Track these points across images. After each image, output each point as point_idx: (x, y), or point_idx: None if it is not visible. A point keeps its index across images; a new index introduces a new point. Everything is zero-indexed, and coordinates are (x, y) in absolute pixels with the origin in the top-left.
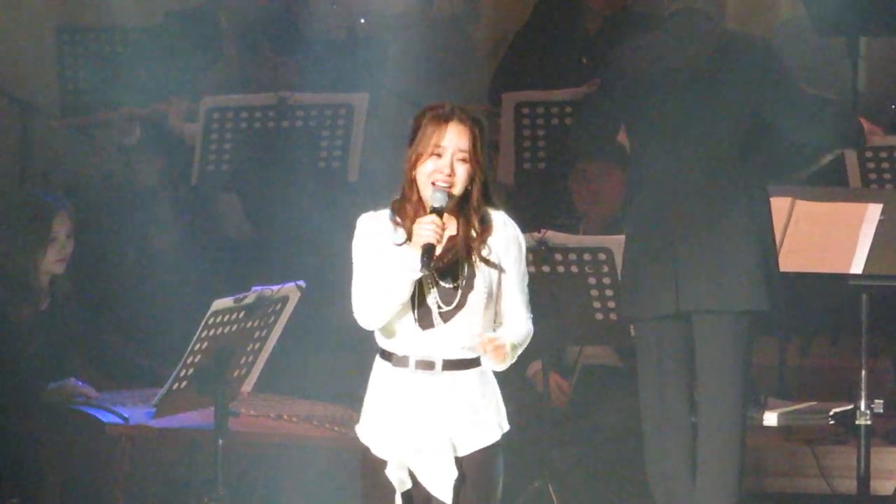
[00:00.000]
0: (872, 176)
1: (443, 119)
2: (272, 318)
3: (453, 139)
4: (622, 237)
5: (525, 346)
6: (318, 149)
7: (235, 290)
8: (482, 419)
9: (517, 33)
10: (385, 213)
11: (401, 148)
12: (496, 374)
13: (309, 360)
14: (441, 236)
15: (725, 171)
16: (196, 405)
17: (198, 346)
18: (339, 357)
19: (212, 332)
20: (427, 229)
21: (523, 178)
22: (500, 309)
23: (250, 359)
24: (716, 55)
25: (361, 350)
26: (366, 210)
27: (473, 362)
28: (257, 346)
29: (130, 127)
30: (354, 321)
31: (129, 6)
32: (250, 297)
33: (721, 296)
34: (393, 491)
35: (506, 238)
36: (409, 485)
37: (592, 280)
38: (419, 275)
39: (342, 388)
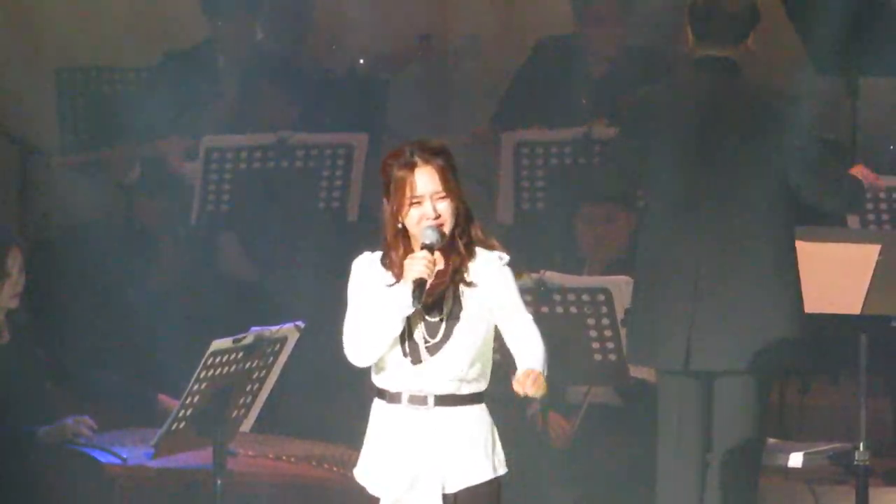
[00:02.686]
0: (871, 217)
1: (408, 168)
2: (271, 359)
3: (426, 184)
4: (622, 278)
5: (546, 358)
6: (318, 189)
7: (234, 330)
8: (475, 456)
9: (518, 72)
10: (378, 256)
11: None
12: (495, 413)
13: (308, 400)
14: (433, 272)
15: (751, 218)
16: (195, 445)
17: (196, 386)
18: (337, 397)
19: (211, 373)
20: (419, 264)
21: (522, 218)
22: (510, 331)
23: (249, 399)
24: (742, 106)
25: (360, 391)
26: (365, 249)
27: (467, 399)
28: (256, 386)
29: (130, 166)
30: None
31: (127, 46)
32: (249, 338)
33: (744, 357)
34: None
35: (487, 261)
36: None
37: (591, 321)
38: (411, 310)
39: (341, 428)
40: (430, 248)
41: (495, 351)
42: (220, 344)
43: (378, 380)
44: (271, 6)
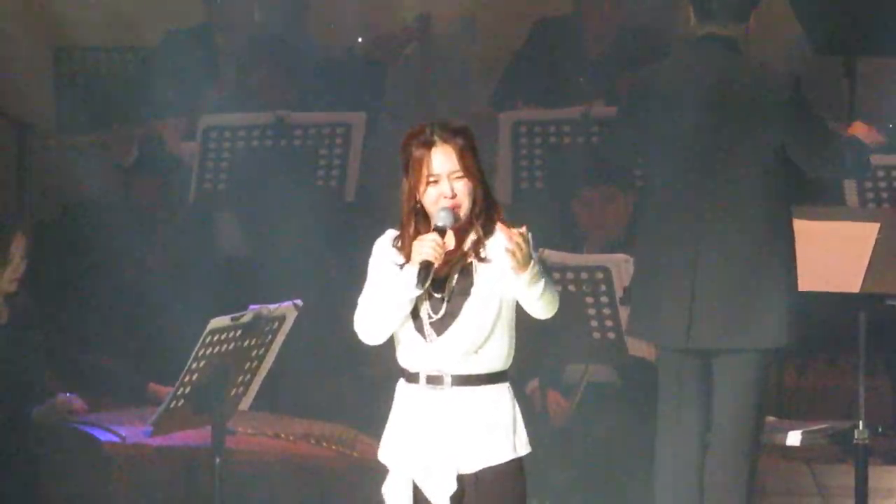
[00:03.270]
0: (870, 195)
1: (426, 146)
2: (269, 337)
3: (443, 163)
4: (621, 256)
5: (553, 291)
6: (316, 168)
7: (233, 308)
8: (492, 437)
9: (516, 53)
10: (394, 234)
11: (399, 167)
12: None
13: (306, 378)
14: (441, 255)
15: (750, 196)
16: (193, 424)
17: (195, 364)
18: (336, 376)
19: (209, 351)
20: (427, 247)
21: (521, 197)
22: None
23: (248, 377)
24: (742, 85)
25: (359, 369)
26: (363, 229)
27: (485, 378)
28: (255, 364)
29: (128, 147)
30: (352, 340)
31: (126, 26)
32: (247, 316)
33: (742, 333)
34: None
35: (504, 240)
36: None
37: (590, 299)
38: (417, 292)
39: (339, 407)
40: (441, 231)
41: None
42: (218, 322)
43: (399, 359)
44: None
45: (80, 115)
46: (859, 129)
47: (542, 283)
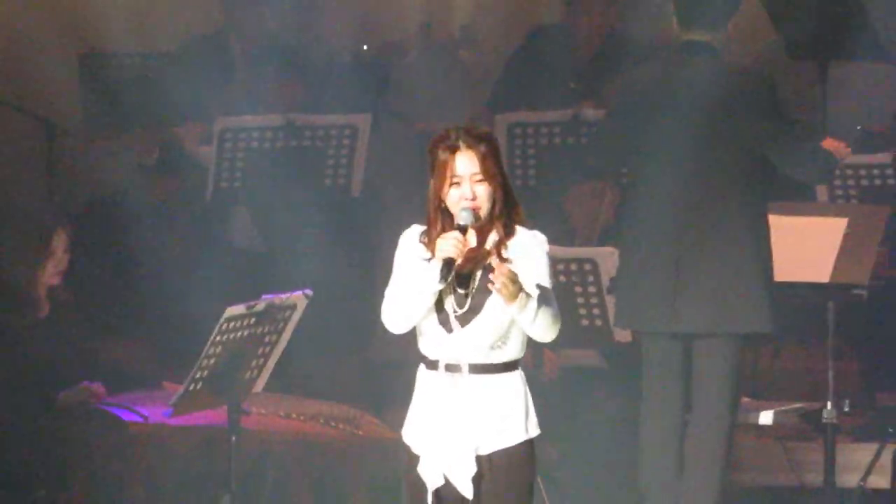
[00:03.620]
0: (839, 192)
1: (451, 150)
2: (281, 324)
3: (465, 166)
4: (607, 249)
5: (550, 323)
6: (324, 166)
7: (247, 298)
8: (507, 422)
9: (510, 58)
10: (422, 230)
11: (401, 165)
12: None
13: (315, 362)
14: (462, 252)
15: (728, 193)
16: (211, 405)
17: (212, 350)
18: (343, 360)
19: (225, 337)
20: (449, 244)
21: (516, 193)
22: None
23: (261, 361)
24: (721, 88)
25: (364, 354)
26: (368, 222)
27: (501, 367)
28: (268, 349)
29: (150, 147)
30: (358, 327)
31: (148, 34)
32: (261, 305)
33: (723, 319)
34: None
35: (523, 241)
36: (441, 482)
37: (578, 289)
38: (439, 286)
39: (346, 388)
40: (462, 230)
41: None
42: (234, 310)
43: (420, 347)
44: None
45: (105, 117)
46: (830, 144)
47: (532, 311)
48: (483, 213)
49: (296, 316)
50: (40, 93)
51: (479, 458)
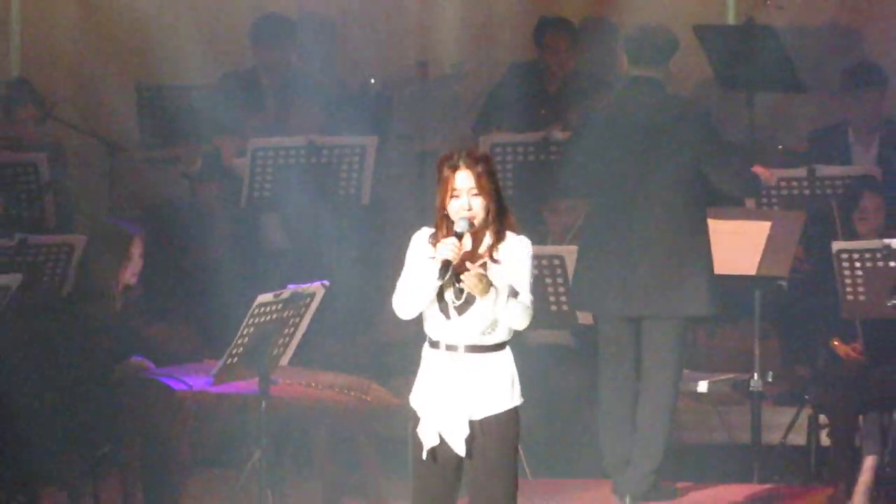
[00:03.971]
0: (764, 200)
1: (452, 168)
2: (303, 309)
3: (464, 182)
4: (573, 247)
5: (519, 314)
6: (339, 179)
7: (275, 287)
8: (496, 392)
9: (492, 89)
10: (430, 232)
11: (403, 178)
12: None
13: (331, 341)
14: (458, 255)
15: (672, 199)
16: (245, 376)
17: (246, 330)
18: (354, 339)
19: (256, 320)
20: (447, 248)
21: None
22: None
23: (286, 340)
24: (665, 114)
25: (371, 334)
26: (375, 226)
27: (492, 347)
28: (292, 330)
29: (194, 160)
30: (366, 312)
31: (195, 67)
32: (286, 293)
33: (669, 304)
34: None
35: (511, 246)
36: (436, 442)
37: (549, 280)
38: (438, 283)
39: (357, 362)
40: (458, 236)
41: None
42: (263, 298)
43: (426, 329)
44: (303, 38)
45: (157, 137)
46: (759, 170)
47: (502, 304)
48: (478, 221)
49: (315, 303)
50: (103, 117)
51: (472, 423)
